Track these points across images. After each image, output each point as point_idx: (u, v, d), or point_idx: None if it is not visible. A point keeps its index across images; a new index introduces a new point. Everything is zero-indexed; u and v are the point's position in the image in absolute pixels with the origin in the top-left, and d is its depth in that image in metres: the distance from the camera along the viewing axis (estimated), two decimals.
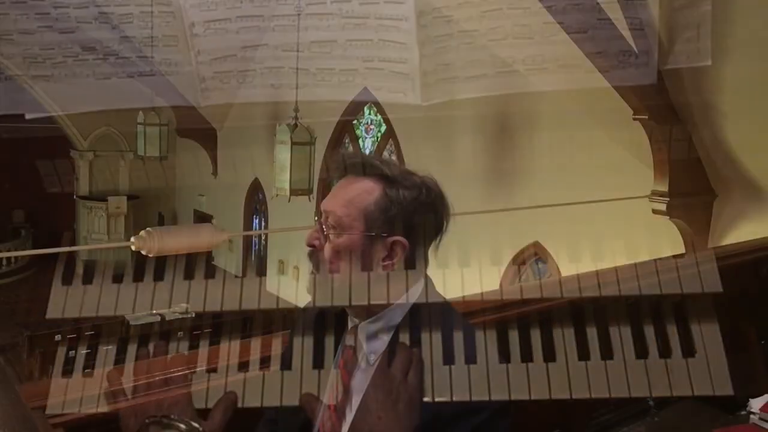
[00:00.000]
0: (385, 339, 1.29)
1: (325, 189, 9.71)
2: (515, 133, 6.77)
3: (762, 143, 4.80)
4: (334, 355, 1.33)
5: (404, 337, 1.22)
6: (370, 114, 9.28)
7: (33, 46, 6.19)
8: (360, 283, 1.28)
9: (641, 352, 1.09)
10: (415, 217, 1.30)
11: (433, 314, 1.24)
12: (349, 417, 1.24)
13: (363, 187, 1.31)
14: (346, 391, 1.27)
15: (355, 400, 1.25)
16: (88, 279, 1.15)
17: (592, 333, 1.10)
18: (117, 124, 11.97)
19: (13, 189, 13.52)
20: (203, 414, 1.07)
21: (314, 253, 1.34)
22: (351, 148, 9.59)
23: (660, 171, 5.16)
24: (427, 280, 1.35)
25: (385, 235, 1.29)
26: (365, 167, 1.34)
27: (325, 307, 1.37)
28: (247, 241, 11.60)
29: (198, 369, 1.34)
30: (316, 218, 1.37)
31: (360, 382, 1.27)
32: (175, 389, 1.08)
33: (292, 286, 1.30)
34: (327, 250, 1.31)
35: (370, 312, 1.32)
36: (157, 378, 1.10)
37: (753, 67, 4.42)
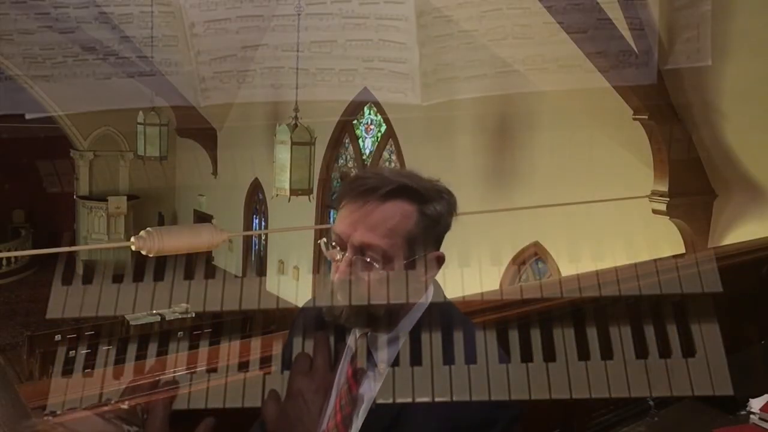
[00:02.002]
0: (394, 347, 1.28)
1: (325, 189, 9.71)
2: (515, 133, 6.76)
3: (762, 143, 4.80)
4: (335, 357, 1.32)
5: (405, 343, 1.22)
6: (370, 114, 9.29)
7: (33, 46, 6.19)
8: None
9: (641, 352, 1.09)
10: (447, 226, 1.30)
11: (442, 319, 1.24)
12: (356, 424, 1.24)
13: (400, 213, 1.25)
14: (354, 400, 1.26)
15: (363, 408, 1.24)
16: (88, 279, 1.15)
17: (592, 333, 1.10)
18: (117, 124, 11.97)
19: (13, 189, 13.53)
20: (193, 418, 1.05)
21: (346, 284, 1.27)
22: (351, 148, 9.60)
23: (660, 171, 5.16)
24: (435, 285, 1.34)
25: (424, 254, 1.26)
26: (393, 189, 1.25)
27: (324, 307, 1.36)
28: (247, 241, 11.60)
29: (198, 369, 1.34)
30: (336, 249, 1.26)
31: (367, 389, 1.26)
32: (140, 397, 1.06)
33: (292, 286, 1.28)
34: (365, 280, 1.25)
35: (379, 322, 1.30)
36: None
37: (753, 67, 4.41)
